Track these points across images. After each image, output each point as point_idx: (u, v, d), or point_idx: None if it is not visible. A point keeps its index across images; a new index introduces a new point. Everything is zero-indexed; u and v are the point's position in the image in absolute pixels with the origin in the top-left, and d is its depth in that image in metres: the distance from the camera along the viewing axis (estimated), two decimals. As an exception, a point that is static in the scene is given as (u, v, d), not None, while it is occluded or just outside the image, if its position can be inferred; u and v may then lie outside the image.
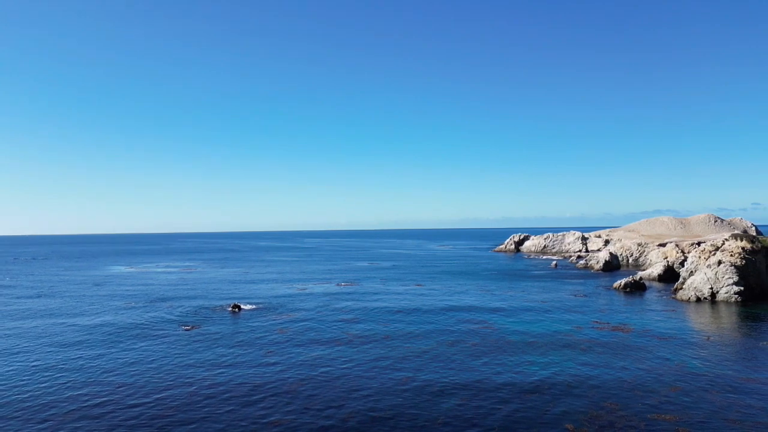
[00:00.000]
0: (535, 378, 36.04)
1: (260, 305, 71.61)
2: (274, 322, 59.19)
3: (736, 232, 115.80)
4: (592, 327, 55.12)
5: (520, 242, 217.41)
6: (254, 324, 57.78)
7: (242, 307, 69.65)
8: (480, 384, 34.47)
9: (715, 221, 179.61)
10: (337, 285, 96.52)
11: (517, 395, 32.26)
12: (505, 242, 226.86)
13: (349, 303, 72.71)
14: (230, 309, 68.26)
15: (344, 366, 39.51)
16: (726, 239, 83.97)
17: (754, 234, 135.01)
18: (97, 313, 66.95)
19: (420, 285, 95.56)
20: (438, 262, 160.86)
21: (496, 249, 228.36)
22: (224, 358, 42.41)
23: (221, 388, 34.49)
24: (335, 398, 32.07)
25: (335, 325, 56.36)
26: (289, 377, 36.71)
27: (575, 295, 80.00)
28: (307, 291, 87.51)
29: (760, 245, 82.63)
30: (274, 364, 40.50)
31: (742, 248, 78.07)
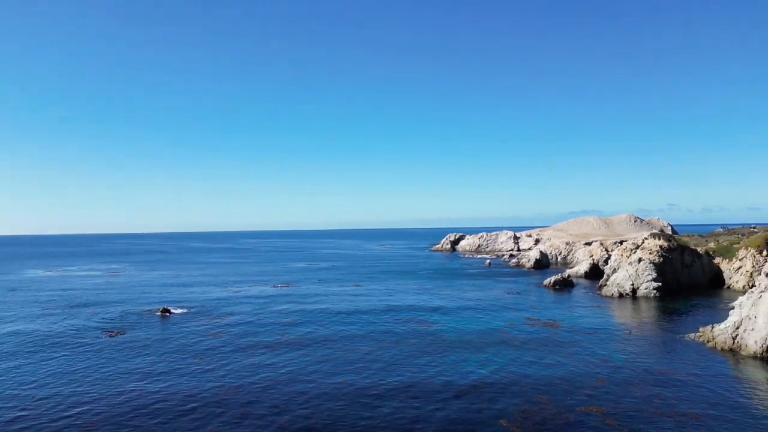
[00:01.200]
0: (473, 377, 36.78)
1: (192, 309, 68.93)
2: (207, 326, 57.12)
3: (654, 231, 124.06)
4: (525, 324, 57.06)
5: (456, 242, 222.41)
6: (186, 329, 55.49)
7: (172, 311, 66.77)
8: (419, 385, 34.75)
9: (635, 221, 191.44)
10: (274, 287, 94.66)
11: (455, 396, 32.76)
12: (442, 242, 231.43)
13: (286, 305, 71.44)
14: (159, 313, 65.26)
15: (282, 371, 38.66)
16: (645, 238, 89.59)
17: (670, 233, 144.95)
18: (12, 321, 62.03)
19: (358, 285, 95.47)
20: (376, 262, 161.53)
21: (433, 248, 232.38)
22: (153, 367, 40.37)
23: (151, 399, 32.76)
24: (273, 405, 31.27)
25: (272, 329, 55.14)
26: (224, 385, 35.46)
27: (508, 293, 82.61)
28: (242, 293, 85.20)
29: (675, 244, 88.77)
30: (208, 371, 38.99)
31: (660, 247, 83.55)
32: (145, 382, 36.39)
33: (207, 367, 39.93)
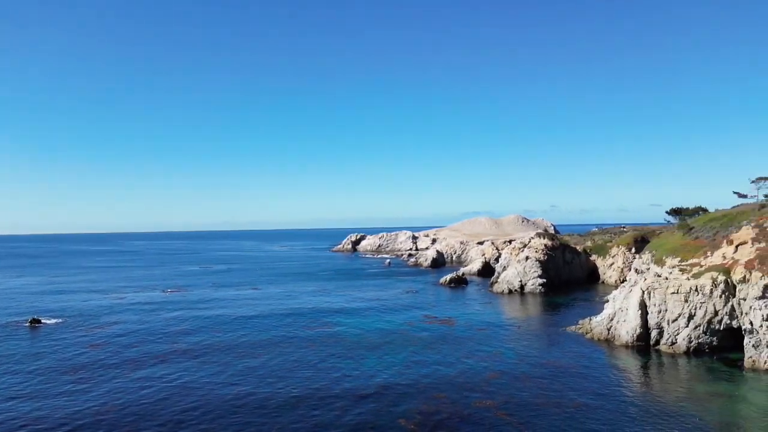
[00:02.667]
0: (374, 380, 36.84)
1: (68, 318, 62.59)
2: (85, 337, 52.12)
3: (539, 230, 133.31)
4: (423, 322, 58.51)
5: (357, 242, 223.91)
6: (59, 341, 50.17)
7: (43, 321, 60.20)
8: (321, 391, 34.11)
9: (523, 221, 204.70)
10: (163, 292, 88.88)
11: (356, 400, 32.54)
12: (343, 242, 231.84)
13: (177, 312, 67.24)
14: (28, 324, 58.58)
15: (173, 384, 36.13)
16: (532, 238, 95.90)
17: (553, 232, 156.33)
18: None
19: (257, 289, 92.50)
20: (276, 264, 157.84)
21: (334, 249, 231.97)
22: (20, 387, 35.89)
23: (15, 423, 29.03)
24: (163, 423, 29.01)
25: (162, 338, 51.55)
26: (105, 403, 32.31)
27: (407, 292, 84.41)
28: (127, 300, 78.97)
29: (558, 243, 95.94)
30: (86, 389, 35.37)
31: (545, 245, 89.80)
32: (9, 404, 32.21)
33: (85, 385, 36.28)
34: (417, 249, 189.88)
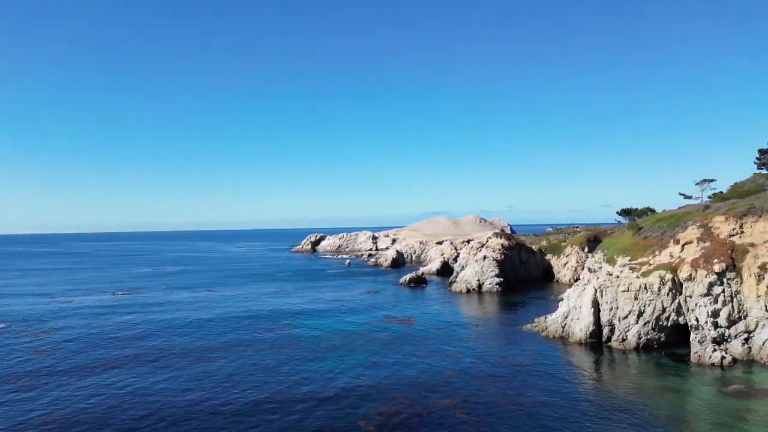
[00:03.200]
0: (334, 382, 36.51)
1: (10, 324, 59.40)
2: (28, 343, 49.59)
3: (496, 230, 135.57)
4: (383, 322, 58.51)
5: (317, 242, 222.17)
6: (0, 348, 47.52)
7: (-16, 329, 56.97)
8: (279, 396, 33.53)
9: (481, 221, 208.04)
10: (114, 295, 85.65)
11: (316, 404, 32.15)
12: (302, 242, 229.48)
13: (128, 316, 64.87)
14: (-33, 333, 55.24)
15: (124, 391, 34.74)
16: (489, 237, 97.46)
17: (509, 232, 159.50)
18: None
19: (212, 291, 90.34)
20: (233, 265, 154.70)
21: (293, 249, 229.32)
22: (-44, 399, 33.80)
23: (-50, 438, 27.30)
24: None
25: (112, 343, 49.59)
26: (50, 413, 30.80)
27: (368, 292, 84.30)
28: (74, 304, 75.66)
29: (514, 242, 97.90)
30: (28, 399, 33.59)
31: (502, 245, 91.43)
32: (-58, 418, 30.24)
33: (29, 393, 34.48)
34: (377, 249, 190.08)
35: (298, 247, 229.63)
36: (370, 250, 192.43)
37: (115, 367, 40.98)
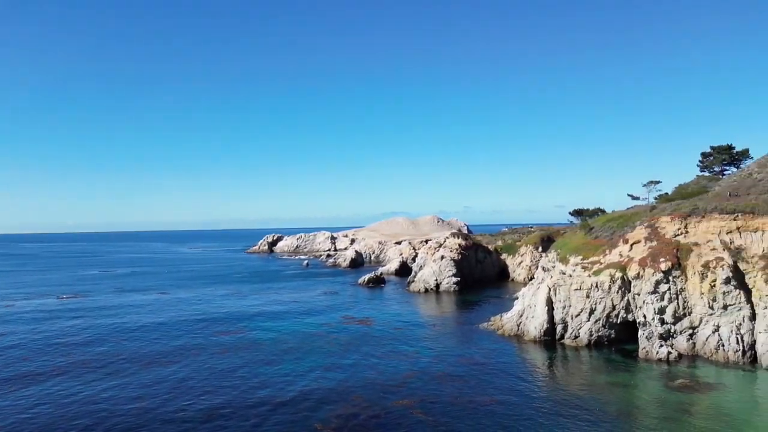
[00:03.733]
0: (292, 386, 35.95)
1: (-56, 333, 55.74)
2: (-35, 353, 46.63)
3: (453, 231, 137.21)
4: (341, 323, 58.15)
5: (274, 243, 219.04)
6: (-67, 359, 44.52)
7: None
8: (235, 402, 32.67)
9: (439, 221, 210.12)
10: (59, 299, 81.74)
11: (272, 409, 31.50)
12: (259, 243, 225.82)
13: (74, 321, 61.97)
14: None
15: (68, 401, 33.08)
16: (447, 237, 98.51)
17: (467, 232, 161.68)
18: None
19: (164, 293, 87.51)
20: (187, 266, 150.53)
21: (249, 250, 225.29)
22: None
23: None
24: (53, 443, 26.47)
25: (56, 350, 47.22)
26: (-15, 426, 29.02)
27: (326, 293, 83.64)
28: (16, 308, 71.75)
29: (471, 242, 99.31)
30: (-38, 410, 31.59)
31: (459, 245, 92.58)
32: None
33: (-38, 406, 32.36)
34: (336, 249, 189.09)
35: (254, 247, 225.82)
36: (329, 250, 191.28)
37: (61, 374, 39.05)
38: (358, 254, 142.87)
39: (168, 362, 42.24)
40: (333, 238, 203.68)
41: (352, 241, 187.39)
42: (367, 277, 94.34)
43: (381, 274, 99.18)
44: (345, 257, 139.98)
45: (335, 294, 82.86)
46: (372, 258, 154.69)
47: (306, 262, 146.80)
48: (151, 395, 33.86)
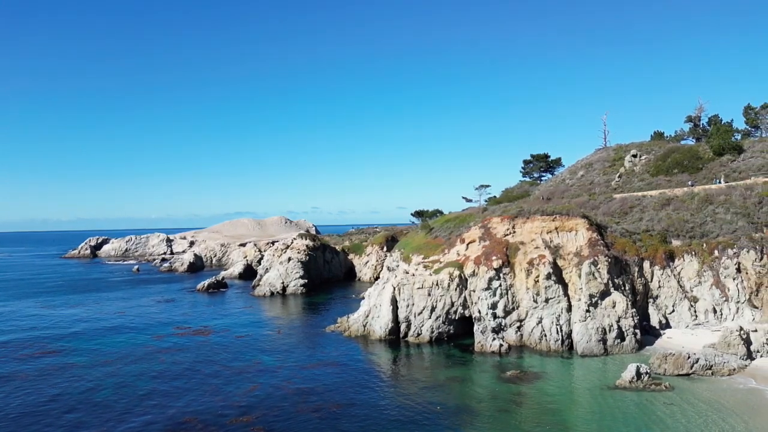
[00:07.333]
0: (110, 412, 31.08)
1: None
2: None
3: (301, 231, 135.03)
4: (174, 334, 52.89)
5: (98, 246, 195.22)
6: None
7: None
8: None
9: (286, 222, 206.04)
10: None
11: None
12: (80, 247, 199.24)
13: None
14: None
15: None
16: (294, 238, 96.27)
17: (314, 233, 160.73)
18: None
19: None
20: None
21: (67, 255, 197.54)
22: None
23: None
24: None
25: None
26: None
27: (159, 301, 75.97)
28: None
29: (319, 243, 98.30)
30: None
31: (306, 246, 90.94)
32: None
33: None
34: (172, 253, 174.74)
35: (73, 252, 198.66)
36: (164, 253, 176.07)
37: None
38: (198, 258, 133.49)
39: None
40: (169, 241, 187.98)
41: (191, 243, 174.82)
42: (206, 282, 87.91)
43: (223, 278, 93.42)
44: (182, 261, 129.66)
45: (170, 302, 75.66)
46: (214, 261, 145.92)
47: (136, 267, 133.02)
48: None
